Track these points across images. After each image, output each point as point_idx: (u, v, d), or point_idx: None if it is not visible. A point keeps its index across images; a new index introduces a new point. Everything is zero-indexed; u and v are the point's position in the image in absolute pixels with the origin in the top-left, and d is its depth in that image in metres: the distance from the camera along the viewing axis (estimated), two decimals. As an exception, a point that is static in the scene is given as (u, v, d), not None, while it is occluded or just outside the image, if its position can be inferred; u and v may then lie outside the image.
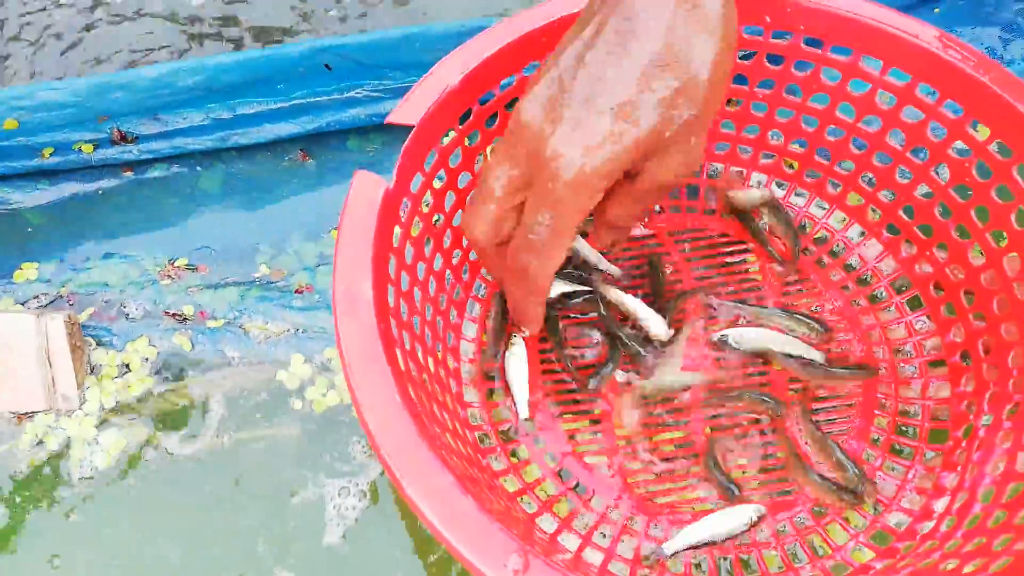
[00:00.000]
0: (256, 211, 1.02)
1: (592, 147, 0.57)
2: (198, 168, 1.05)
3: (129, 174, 1.04)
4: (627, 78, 0.57)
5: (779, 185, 0.98)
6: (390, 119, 0.75)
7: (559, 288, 0.89)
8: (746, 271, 0.93)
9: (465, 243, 0.88)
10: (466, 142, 0.82)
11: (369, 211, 0.69)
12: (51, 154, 1.02)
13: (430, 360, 0.78)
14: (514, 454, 0.82)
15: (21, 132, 1.01)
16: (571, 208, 0.60)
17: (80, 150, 1.03)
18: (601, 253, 0.92)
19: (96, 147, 1.03)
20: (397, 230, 0.73)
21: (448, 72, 0.76)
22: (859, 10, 0.80)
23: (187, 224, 1.00)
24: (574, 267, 0.92)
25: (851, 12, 0.80)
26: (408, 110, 0.76)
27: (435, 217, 0.82)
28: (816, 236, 0.95)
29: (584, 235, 0.93)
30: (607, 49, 0.58)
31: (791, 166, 0.96)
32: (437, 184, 0.80)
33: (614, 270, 0.92)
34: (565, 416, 0.85)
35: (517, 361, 0.84)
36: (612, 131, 0.57)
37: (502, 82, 0.81)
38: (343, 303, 0.63)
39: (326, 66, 1.08)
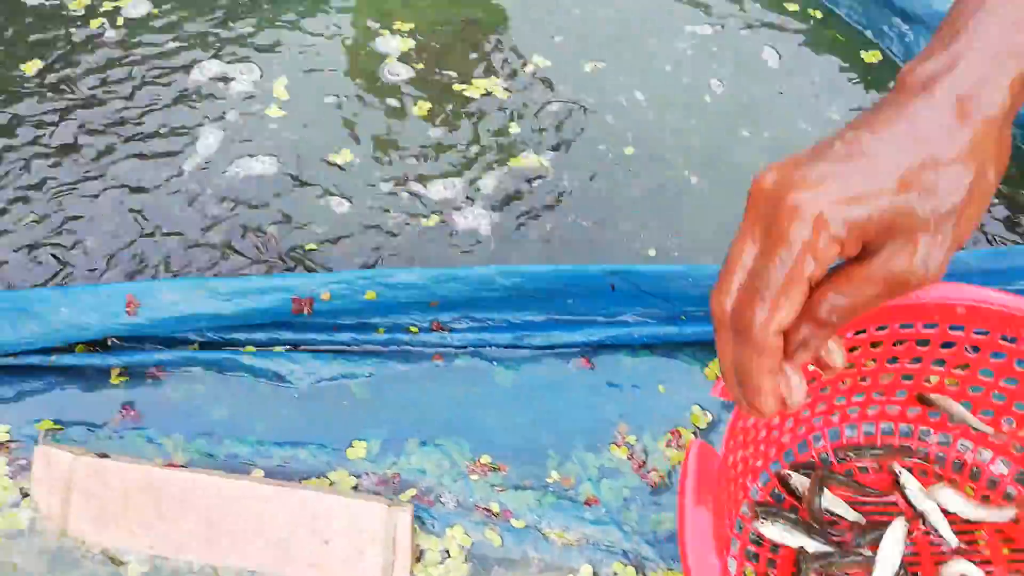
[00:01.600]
0: (544, 412, 1.15)
1: (840, 198, 0.57)
2: (494, 363, 1.20)
3: (439, 361, 1.19)
4: (892, 153, 0.58)
5: None
6: (716, 392, 0.86)
7: (810, 546, 0.98)
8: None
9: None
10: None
11: (706, 482, 0.80)
12: (384, 331, 1.19)
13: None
14: None
15: (377, 307, 1.17)
16: (804, 252, 0.57)
17: (408, 330, 1.19)
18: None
19: (419, 331, 1.19)
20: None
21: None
22: None
23: (486, 417, 1.14)
24: (817, 522, 1.02)
25: None
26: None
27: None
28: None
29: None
30: (872, 132, 0.59)
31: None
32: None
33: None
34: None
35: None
36: (866, 190, 0.57)
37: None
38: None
39: (611, 286, 1.21)
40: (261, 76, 1.73)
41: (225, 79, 1.71)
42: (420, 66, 1.82)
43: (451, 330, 1.18)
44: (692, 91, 1.83)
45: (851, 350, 1.02)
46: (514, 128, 1.72)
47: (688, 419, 1.16)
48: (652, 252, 1.44)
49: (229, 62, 1.73)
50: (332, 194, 1.50)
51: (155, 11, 1.90)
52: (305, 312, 1.18)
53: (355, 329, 1.19)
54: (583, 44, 1.92)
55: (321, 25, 1.87)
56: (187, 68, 1.74)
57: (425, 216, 1.50)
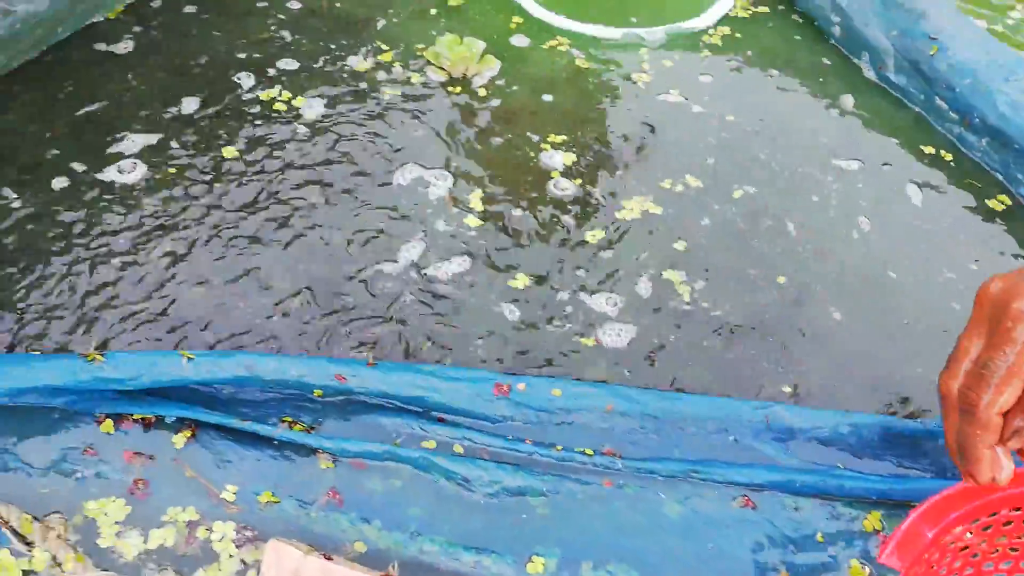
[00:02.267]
0: (707, 549, 1.22)
1: None
2: (661, 494, 1.28)
3: (609, 487, 1.28)
4: None
5: None
6: (882, 559, 0.92)
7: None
8: None
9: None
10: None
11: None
12: (562, 448, 1.29)
13: None
14: None
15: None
16: None
17: (584, 452, 1.29)
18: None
19: (594, 453, 1.30)
20: None
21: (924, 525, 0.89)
22: None
23: (653, 547, 1.20)
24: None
25: None
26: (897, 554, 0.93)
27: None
28: None
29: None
30: None
31: None
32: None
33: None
34: None
35: None
36: None
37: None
38: None
39: (766, 420, 1.29)
40: (454, 184, 1.89)
41: (424, 184, 1.88)
42: (578, 182, 1.95)
43: (622, 456, 1.28)
44: (840, 224, 1.88)
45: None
46: (666, 247, 1.80)
47: (847, 573, 1.22)
48: (787, 388, 1.49)
49: (428, 168, 1.90)
50: (505, 301, 1.63)
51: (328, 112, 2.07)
52: (504, 392, 1.32)
53: (538, 444, 1.31)
54: (735, 168, 2.01)
55: (496, 137, 2.03)
56: (390, 170, 1.91)
57: (582, 327, 1.60)
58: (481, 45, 2.27)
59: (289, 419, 1.36)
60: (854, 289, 1.69)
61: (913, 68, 2.19)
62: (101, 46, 2.18)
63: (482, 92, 2.15)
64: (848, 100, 2.19)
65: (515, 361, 1.52)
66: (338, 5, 2.39)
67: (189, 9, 2.34)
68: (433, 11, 2.42)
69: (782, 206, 1.87)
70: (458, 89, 2.18)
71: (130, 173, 1.88)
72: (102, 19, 2.25)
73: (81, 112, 2.01)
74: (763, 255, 1.76)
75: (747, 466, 1.28)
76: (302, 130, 2.02)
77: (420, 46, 2.27)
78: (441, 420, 1.36)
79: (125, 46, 2.19)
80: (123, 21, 2.26)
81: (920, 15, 2.18)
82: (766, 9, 2.46)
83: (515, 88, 2.18)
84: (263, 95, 2.10)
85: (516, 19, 2.41)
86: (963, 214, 1.89)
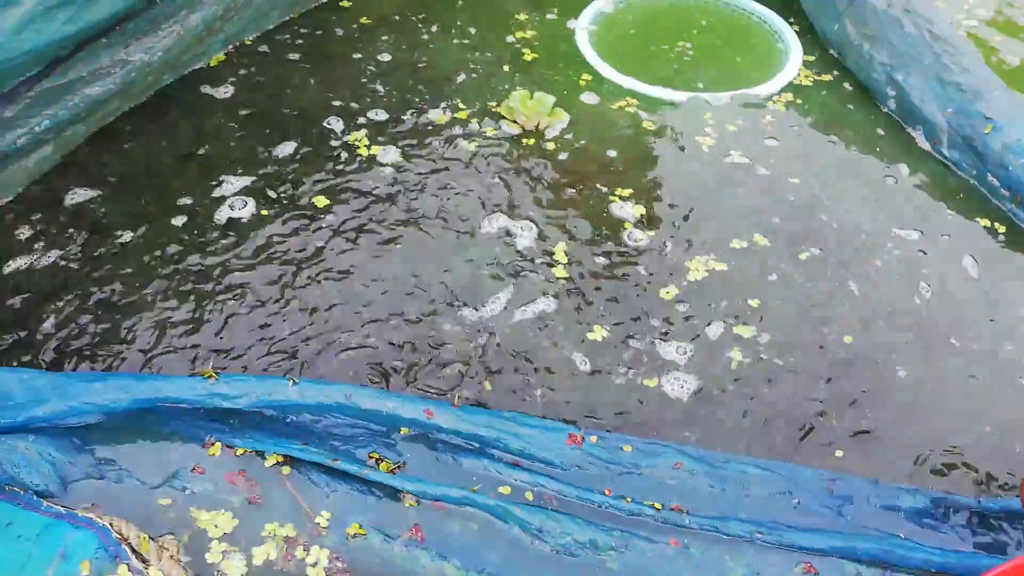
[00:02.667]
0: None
1: None
2: (727, 557, 1.34)
3: (675, 546, 1.35)
4: None
5: None
6: None
7: None
8: None
9: None
10: None
11: None
12: (631, 501, 1.36)
13: None
14: None
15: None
16: None
17: (653, 507, 1.36)
18: None
19: (661, 508, 1.36)
20: None
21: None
22: None
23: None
24: None
25: None
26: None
27: None
28: None
29: None
30: None
31: None
32: None
33: None
34: None
35: None
36: None
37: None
38: None
39: (829, 489, 1.34)
40: (538, 236, 2.00)
41: (510, 233, 1.99)
42: (651, 233, 2.04)
43: (689, 513, 1.34)
44: (903, 290, 1.94)
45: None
46: (735, 303, 1.88)
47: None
48: (839, 453, 1.54)
49: (513, 219, 2.01)
50: (580, 351, 1.72)
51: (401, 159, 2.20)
52: (578, 443, 1.40)
53: (608, 495, 1.37)
54: (800, 230, 2.08)
55: (570, 188, 2.13)
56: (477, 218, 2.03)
57: (650, 375, 1.68)
58: (551, 100, 2.38)
59: (376, 455, 1.46)
60: (917, 354, 1.74)
61: (967, 144, 2.24)
62: (206, 88, 2.33)
63: (551, 146, 2.25)
64: (903, 169, 2.24)
65: (586, 407, 1.60)
66: (424, 61, 2.52)
67: (292, 56, 2.50)
68: (506, 67, 2.55)
69: (847, 269, 1.93)
70: (531, 141, 2.29)
71: (241, 210, 2.02)
72: (204, 65, 2.41)
73: (188, 152, 2.16)
74: (829, 316, 1.82)
75: (810, 531, 1.33)
76: (389, 174, 2.15)
77: (493, 103, 2.38)
78: (516, 464, 1.45)
79: (226, 90, 2.34)
80: (225, 67, 2.42)
81: (976, 95, 2.24)
82: (828, 78, 2.53)
83: (583, 142, 2.28)
84: (351, 139, 2.23)
85: (585, 76, 2.51)
86: (1020, 287, 1.94)
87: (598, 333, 1.75)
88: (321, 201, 2.03)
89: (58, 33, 1.91)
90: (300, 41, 2.55)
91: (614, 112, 2.42)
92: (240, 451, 1.44)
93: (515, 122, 2.37)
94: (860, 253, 1.99)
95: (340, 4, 2.71)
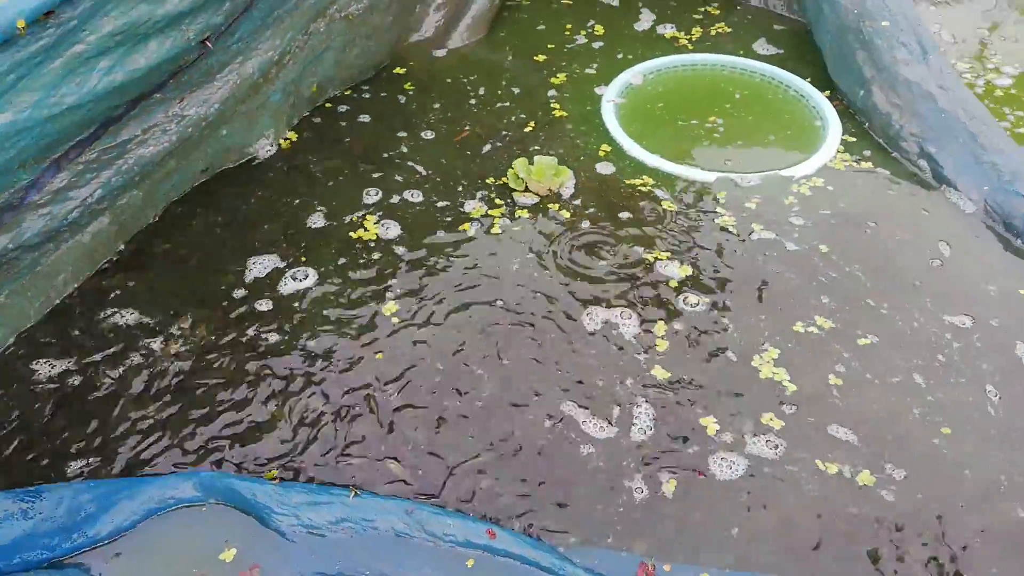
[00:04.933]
0: None
1: None
2: None
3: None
4: None
5: None
6: None
7: None
8: None
9: None
10: None
11: None
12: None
13: None
14: None
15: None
16: None
17: None
18: None
19: None
20: None
21: None
22: None
23: None
24: None
25: None
26: None
27: None
28: None
29: None
30: None
31: None
32: None
33: None
34: None
35: None
36: None
37: None
38: None
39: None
40: (641, 325, 1.95)
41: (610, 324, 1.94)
42: (707, 299, 2.00)
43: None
44: (970, 395, 1.84)
45: None
46: (787, 385, 1.82)
47: None
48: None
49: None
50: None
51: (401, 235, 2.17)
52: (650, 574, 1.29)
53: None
54: (855, 316, 2.01)
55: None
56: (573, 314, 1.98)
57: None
58: (553, 160, 2.33)
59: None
60: (989, 483, 1.63)
61: (1005, 225, 2.21)
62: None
63: (566, 214, 2.22)
64: (945, 249, 2.19)
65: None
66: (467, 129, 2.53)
67: (363, 118, 2.52)
68: (528, 128, 2.52)
69: (905, 360, 1.87)
70: (556, 205, 2.26)
71: (302, 281, 2.00)
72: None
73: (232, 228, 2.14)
74: (889, 403, 1.76)
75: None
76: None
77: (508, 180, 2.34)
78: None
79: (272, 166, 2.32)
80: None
81: (1013, 175, 2.22)
82: (868, 164, 2.44)
83: (593, 210, 2.25)
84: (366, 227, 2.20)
85: (605, 147, 2.46)
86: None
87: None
88: (386, 307, 1.99)
89: (101, 86, 1.75)
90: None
91: (629, 189, 2.35)
92: None
93: (527, 190, 2.33)
94: (916, 341, 1.92)
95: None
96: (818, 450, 1.65)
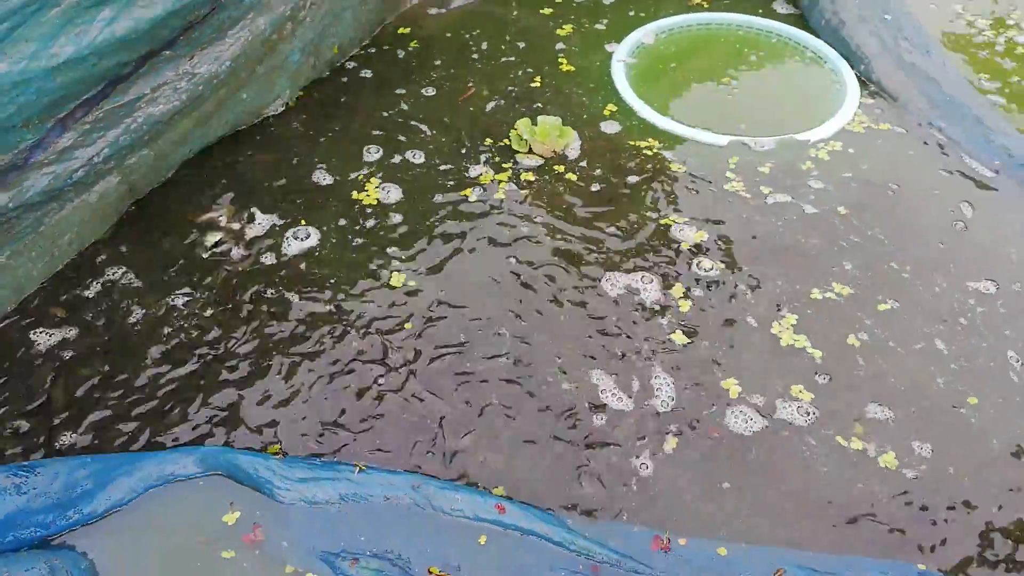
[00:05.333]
0: None
1: None
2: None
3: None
4: None
5: None
6: None
7: None
8: None
9: None
10: None
11: None
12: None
13: None
14: None
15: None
16: None
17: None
18: None
19: None
20: None
21: None
22: None
23: None
24: None
25: None
26: None
27: None
28: None
29: None
30: None
31: None
32: None
33: None
34: None
35: None
36: None
37: None
38: None
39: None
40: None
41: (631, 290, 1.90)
42: (721, 265, 1.93)
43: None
44: (993, 360, 1.79)
45: None
46: (809, 351, 1.76)
47: None
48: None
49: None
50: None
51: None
52: (665, 547, 1.27)
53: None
54: (877, 282, 1.95)
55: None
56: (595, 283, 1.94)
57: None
58: (557, 120, 2.26)
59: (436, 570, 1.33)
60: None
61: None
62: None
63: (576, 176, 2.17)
64: (967, 210, 2.12)
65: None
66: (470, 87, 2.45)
67: (366, 73, 2.46)
68: (535, 83, 2.45)
69: (928, 326, 1.82)
70: (562, 168, 2.19)
71: (304, 240, 1.96)
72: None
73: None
74: (913, 372, 1.71)
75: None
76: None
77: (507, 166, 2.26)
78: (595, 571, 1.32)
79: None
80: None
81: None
82: (886, 126, 2.36)
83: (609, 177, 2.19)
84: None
85: (611, 107, 2.39)
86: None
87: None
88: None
89: (102, 37, 1.65)
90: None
91: (637, 151, 2.28)
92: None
93: (531, 152, 2.25)
94: (941, 311, 1.86)
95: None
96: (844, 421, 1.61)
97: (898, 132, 2.35)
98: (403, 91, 2.43)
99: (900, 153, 2.28)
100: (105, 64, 1.74)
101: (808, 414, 1.60)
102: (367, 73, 2.50)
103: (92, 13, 1.64)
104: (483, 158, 2.22)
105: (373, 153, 2.21)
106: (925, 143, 2.31)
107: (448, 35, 2.65)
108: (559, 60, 2.56)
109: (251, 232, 1.97)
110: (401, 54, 2.58)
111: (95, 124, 1.78)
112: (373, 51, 2.59)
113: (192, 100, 1.97)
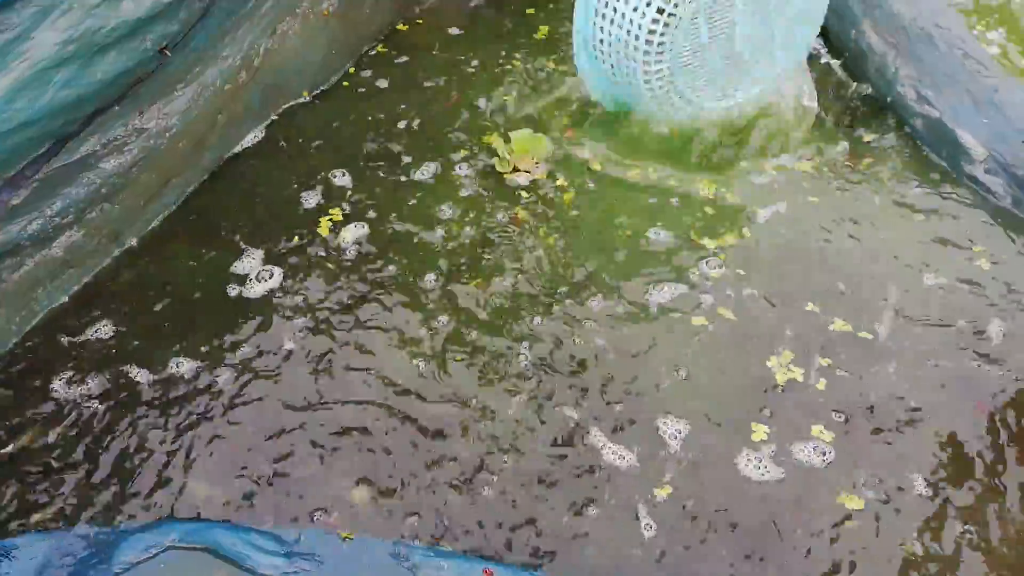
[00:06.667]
0: None
1: None
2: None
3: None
4: None
5: None
6: None
7: None
8: None
9: None
10: None
11: None
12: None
13: None
14: None
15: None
16: None
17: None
18: None
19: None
20: None
21: None
22: None
23: None
24: None
25: None
26: None
27: None
28: None
29: None
30: None
31: None
32: None
33: None
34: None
35: None
36: None
37: None
38: None
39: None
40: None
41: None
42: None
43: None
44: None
45: None
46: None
47: None
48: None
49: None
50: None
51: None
52: None
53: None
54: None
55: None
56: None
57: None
58: (528, 132, 2.24)
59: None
60: None
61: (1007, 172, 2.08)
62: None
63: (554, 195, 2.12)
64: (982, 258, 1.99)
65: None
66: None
67: (381, 84, 2.46)
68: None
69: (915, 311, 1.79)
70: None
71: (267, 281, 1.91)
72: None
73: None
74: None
75: None
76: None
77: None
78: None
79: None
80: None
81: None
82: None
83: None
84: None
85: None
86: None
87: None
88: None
89: (57, 100, 1.67)
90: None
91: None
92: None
93: (517, 169, 2.20)
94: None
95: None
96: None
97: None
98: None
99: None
100: (54, 124, 1.75)
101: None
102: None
103: (49, 75, 1.66)
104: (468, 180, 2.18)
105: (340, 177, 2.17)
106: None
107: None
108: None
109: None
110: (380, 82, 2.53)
111: (45, 182, 1.78)
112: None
113: (148, 153, 1.96)
